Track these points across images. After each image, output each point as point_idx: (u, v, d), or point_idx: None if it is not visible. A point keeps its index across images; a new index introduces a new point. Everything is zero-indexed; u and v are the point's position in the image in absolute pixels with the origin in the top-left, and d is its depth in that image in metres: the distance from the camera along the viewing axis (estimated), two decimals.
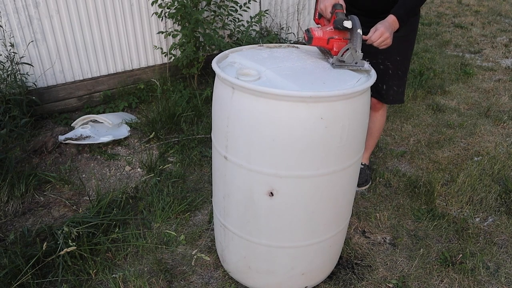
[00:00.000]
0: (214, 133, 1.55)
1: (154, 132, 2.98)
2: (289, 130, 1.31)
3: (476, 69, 4.68)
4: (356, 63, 1.55)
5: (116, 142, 2.98)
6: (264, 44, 1.78)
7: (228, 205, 1.58)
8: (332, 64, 1.56)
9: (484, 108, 3.62)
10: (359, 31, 1.54)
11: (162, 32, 3.66)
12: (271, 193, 1.42)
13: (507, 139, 3.11)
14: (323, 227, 1.56)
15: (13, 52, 3.03)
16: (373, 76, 1.44)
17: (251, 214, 1.51)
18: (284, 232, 1.52)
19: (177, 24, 3.62)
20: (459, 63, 4.86)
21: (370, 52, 1.82)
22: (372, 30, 1.73)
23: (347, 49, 1.54)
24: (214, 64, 1.47)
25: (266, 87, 1.29)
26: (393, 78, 2.15)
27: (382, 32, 1.69)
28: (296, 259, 1.60)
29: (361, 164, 2.50)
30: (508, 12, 7.70)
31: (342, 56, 1.55)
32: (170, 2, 3.38)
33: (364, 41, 1.67)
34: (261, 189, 1.43)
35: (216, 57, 1.55)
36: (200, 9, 3.52)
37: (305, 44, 1.75)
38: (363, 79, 1.45)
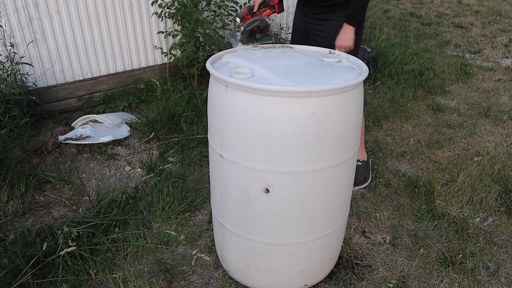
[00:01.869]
0: (210, 132, 1.56)
1: (154, 132, 2.99)
2: (282, 126, 1.32)
3: (476, 69, 4.67)
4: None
5: (116, 142, 2.98)
6: (258, 45, 1.80)
7: (226, 204, 1.59)
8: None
9: (484, 108, 3.62)
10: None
11: (162, 32, 3.66)
12: (267, 189, 1.43)
13: (507, 139, 3.11)
14: (321, 224, 1.56)
15: (13, 52, 3.03)
16: (365, 71, 1.45)
17: (248, 212, 1.52)
18: (282, 229, 1.52)
19: (177, 24, 3.62)
20: (459, 63, 4.86)
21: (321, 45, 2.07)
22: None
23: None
24: (208, 64, 1.49)
25: (259, 84, 1.30)
26: None
27: (338, 48, 2.08)
28: (294, 256, 1.60)
29: (359, 161, 2.50)
30: (508, 12, 7.70)
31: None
32: (170, 2, 3.38)
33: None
34: (257, 186, 1.44)
35: (211, 57, 1.58)
36: (200, 9, 3.52)
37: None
38: (355, 74, 1.46)
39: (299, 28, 2.43)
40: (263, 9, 2.37)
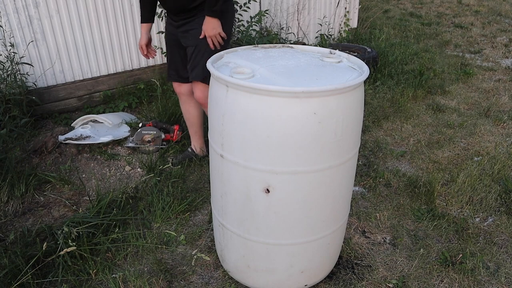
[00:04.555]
0: (210, 132, 1.56)
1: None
2: (283, 126, 1.32)
3: (476, 69, 4.68)
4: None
5: (116, 142, 2.98)
6: (259, 45, 1.80)
7: (226, 204, 1.59)
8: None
9: (484, 108, 3.62)
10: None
11: (162, 32, 3.66)
12: (267, 189, 1.43)
13: (507, 139, 3.11)
14: (321, 224, 1.56)
15: (13, 52, 3.03)
16: (365, 72, 1.45)
17: (248, 212, 1.52)
18: (282, 229, 1.52)
19: None
20: (459, 63, 4.86)
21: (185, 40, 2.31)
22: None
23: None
24: (209, 64, 1.49)
25: (259, 84, 1.30)
26: (200, 60, 2.30)
27: (210, 37, 2.21)
28: (294, 256, 1.61)
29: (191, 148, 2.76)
30: (508, 12, 7.70)
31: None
32: None
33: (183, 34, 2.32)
34: (257, 186, 1.44)
35: (211, 57, 1.58)
36: None
37: (304, 44, 1.78)
38: (356, 75, 1.46)
39: (170, 34, 2.45)
40: (165, 132, 2.95)
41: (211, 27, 2.18)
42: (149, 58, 2.56)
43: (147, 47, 2.51)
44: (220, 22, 2.20)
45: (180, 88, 2.53)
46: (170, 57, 2.49)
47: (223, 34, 2.22)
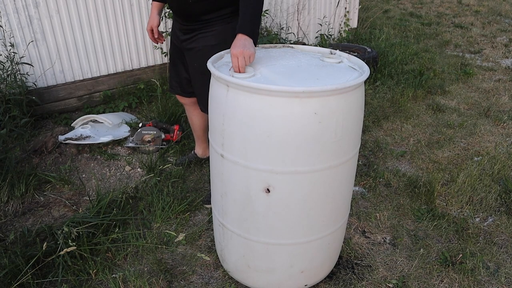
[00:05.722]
0: (211, 132, 1.56)
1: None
2: (283, 126, 1.32)
3: (476, 69, 4.68)
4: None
5: (116, 142, 2.98)
6: (259, 45, 1.80)
7: (226, 204, 1.59)
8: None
9: (484, 108, 3.62)
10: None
11: (162, 32, 3.66)
12: (268, 189, 1.43)
13: (507, 139, 3.11)
14: (321, 224, 1.56)
15: (13, 52, 3.03)
16: (366, 72, 1.45)
17: (248, 212, 1.52)
18: (282, 229, 1.52)
19: None
20: (459, 63, 4.86)
21: (186, 58, 2.09)
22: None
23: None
24: (209, 64, 1.49)
25: (260, 84, 1.30)
26: (203, 86, 1.98)
27: (236, 55, 1.50)
28: (295, 256, 1.61)
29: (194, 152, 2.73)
30: (508, 12, 7.70)
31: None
32: None
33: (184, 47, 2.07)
34: (257, 186, 1.44)
35: (212, 57, 1.57)
36: None
37: (304, 44, 1.77)
38: (356, 75, 1.46)
39: (174, 45, 2.20)
40: (165, 132, 2.97)
41: (246, 43, 1.55)
42: (157, 43, 2.17)
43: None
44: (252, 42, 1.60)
45: (184, 100, 2.41)
46: (173, 70, 2.29)
47: (253, 57, 1.54)
